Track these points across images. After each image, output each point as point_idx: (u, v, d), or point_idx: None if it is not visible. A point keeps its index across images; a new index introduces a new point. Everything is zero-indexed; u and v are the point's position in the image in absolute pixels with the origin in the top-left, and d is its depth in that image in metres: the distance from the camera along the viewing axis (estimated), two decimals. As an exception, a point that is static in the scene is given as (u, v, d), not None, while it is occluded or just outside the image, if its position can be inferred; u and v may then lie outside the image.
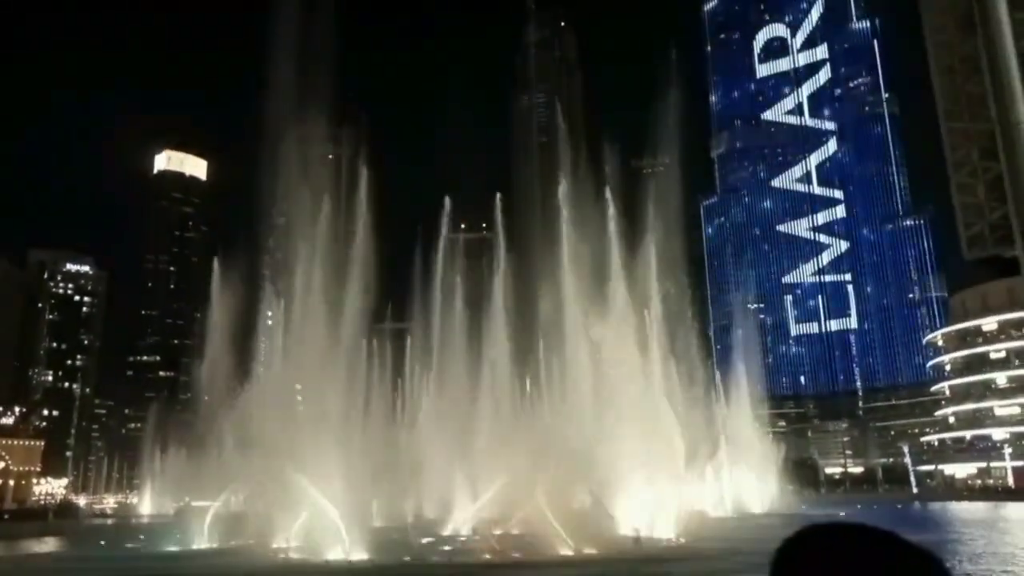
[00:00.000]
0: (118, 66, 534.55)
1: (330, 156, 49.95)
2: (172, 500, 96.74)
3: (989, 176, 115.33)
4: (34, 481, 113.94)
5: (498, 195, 53.97)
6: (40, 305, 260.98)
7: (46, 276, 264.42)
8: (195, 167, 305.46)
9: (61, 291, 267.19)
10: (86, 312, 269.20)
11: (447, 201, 48.02)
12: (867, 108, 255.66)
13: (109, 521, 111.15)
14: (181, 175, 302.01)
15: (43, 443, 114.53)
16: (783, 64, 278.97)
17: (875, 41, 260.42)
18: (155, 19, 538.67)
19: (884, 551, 1.13)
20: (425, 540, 38.44)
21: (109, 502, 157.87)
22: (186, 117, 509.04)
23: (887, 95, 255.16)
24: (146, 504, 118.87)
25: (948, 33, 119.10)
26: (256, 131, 51.49)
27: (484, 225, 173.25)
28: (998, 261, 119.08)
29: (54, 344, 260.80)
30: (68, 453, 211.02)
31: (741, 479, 76.32)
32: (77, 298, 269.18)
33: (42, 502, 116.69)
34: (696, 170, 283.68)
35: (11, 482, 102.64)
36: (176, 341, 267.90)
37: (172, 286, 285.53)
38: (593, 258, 46.79)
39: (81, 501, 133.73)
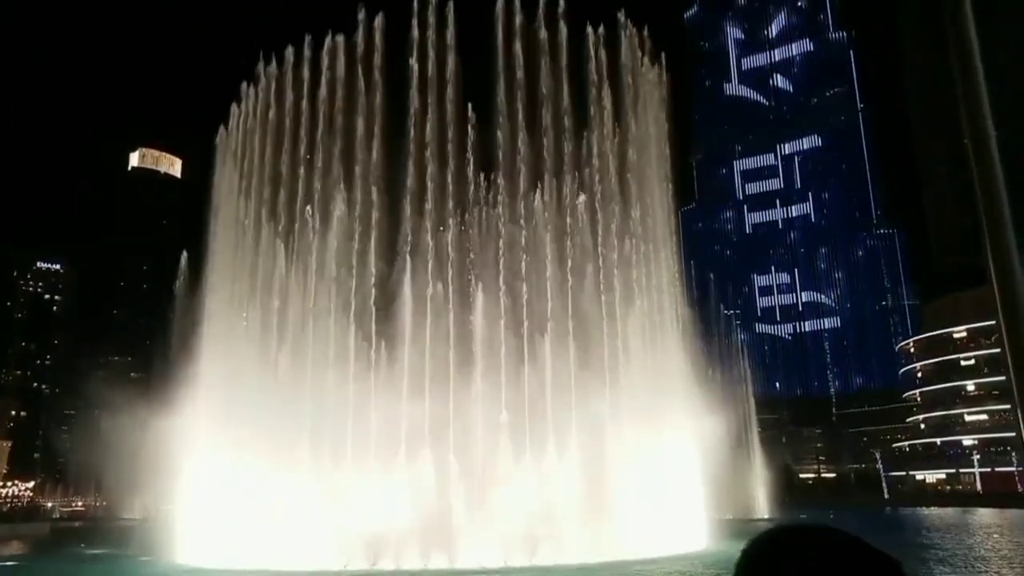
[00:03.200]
0: (92, 61, 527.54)
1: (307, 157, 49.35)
2: (140, 504, 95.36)
3: (960, 186, 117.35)
4: (0, 483, 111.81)
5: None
6: (8, 304, 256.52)
7: (15, 274, 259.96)
8: (170, 165, 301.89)
9: (31, 290, 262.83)
10: (55, 311, 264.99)
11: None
12: (843, 118, 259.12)
13: (77, 524, 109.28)
14: (155, 172, 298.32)
15: (11, 444, 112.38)
16: (760, 73, 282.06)
17: (851, 52, 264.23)
18: (129, 15, 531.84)
19: (847, 554, 1.13)
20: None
21: (78, 504, 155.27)
22: (161, 114, 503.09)
23: (862, 106, 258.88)
24: (116, 508, 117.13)
25: (921, 44, 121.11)
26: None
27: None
28: (970, 270, 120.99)
29: (23, 343, 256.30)
30: (36, 455, 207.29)
31: (711, 485, 76.38)
32: (47, 297, 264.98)
33: (9, 504, 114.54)
34: (683, 181, 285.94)
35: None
36: (148, 342, 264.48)
37: (145, 286, 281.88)
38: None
39: (49, 504, 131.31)
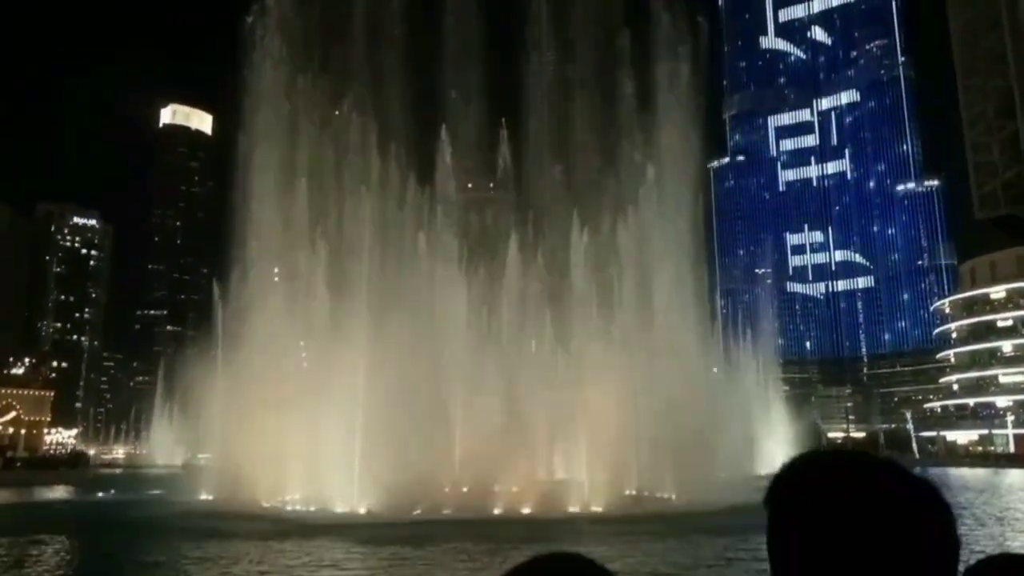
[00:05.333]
0: (125, 18, 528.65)
1: (336, 113, 49.37)
2: (180, 452, 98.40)
3: (1004, 134, 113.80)
4: (45, 431, 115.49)
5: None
6: (47, 257, 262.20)
7: (53, 229, 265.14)
8: (201, 121, 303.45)
9: (68, 244, 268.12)
10: (93, 265, 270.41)
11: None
12: (883, 71, 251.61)
13: (118, 471, 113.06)
14: (187, 129, 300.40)
15: (53, 393, 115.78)
16: (799, 26, 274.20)
17: (893, 2, 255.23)
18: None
19: (884, 477, 1.12)
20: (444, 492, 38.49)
21: (118, 453, 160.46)
22: (193, 71, 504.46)
23: (903, 58, 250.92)
24: (154, 455, 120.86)
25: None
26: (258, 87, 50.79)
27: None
28: (1008, 225, 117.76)
29: (62, 296, 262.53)
30: (77, 404, 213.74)
31: (741, 441, 76.66)
32: (84, 251, 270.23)
33: (52, 451, 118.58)
34: (708, 133, 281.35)
35: (23, 431, 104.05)
36: (183, 296, 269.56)
37: (179, 241, 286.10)
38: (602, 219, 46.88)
39: (91, 451, 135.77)
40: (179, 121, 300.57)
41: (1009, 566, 1.47)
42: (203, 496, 43.58)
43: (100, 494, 56.63)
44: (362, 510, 36.21)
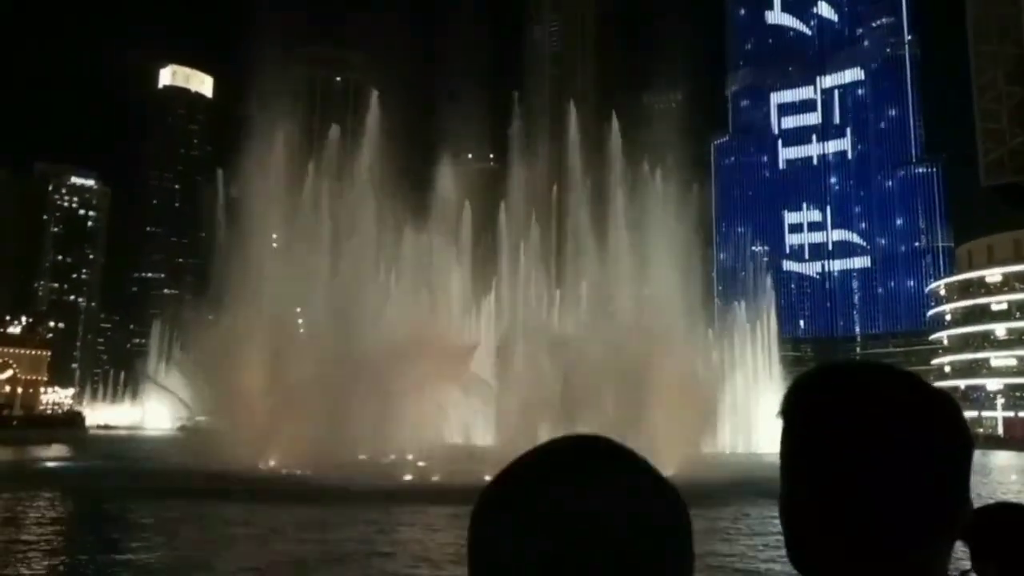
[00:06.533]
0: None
1: (337, 79, 49.07)
2: (175, 415, 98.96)
3: (1013, 102, 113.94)
4: (41, 390, 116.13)
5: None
6: (45, 217, 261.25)
7: (50, 189, 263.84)
8: (200, 83, 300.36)
9: (66, 204, 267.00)
10: (91, 227, 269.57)
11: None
12: (888, 50, 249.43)
13: (112, 431, 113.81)
14: (186, 91, 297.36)
15: (49, 353, 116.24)
16: (806, 2, 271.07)
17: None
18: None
19: (895, 381, 1.14)
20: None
21: (114, 414, 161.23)
22: (192, 30, 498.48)
23: (909, 37, 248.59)
24: (150, 418, 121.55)
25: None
26: (260, 51, 50.43)
27: (491, 156, 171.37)
28: (1012, 193, 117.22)
29: (59, 257, 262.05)
30: (74, 365, 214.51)
31: (734, 419, 77.47)
32: (82, 212, 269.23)
33: (49, 411, 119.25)
34: (709, 109, 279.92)
35: (19, 390, 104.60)
36: (180, 259, 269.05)
37: (177, 204, 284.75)
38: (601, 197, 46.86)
39: (87, 411, 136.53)
40: (179, 83, 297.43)
41: (1007, 512, 1.65)
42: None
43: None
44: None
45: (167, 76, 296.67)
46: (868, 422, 1.09)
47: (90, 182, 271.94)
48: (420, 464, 37.92)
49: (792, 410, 1.19)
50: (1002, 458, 77.37)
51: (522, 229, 46.74)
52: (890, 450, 1.06)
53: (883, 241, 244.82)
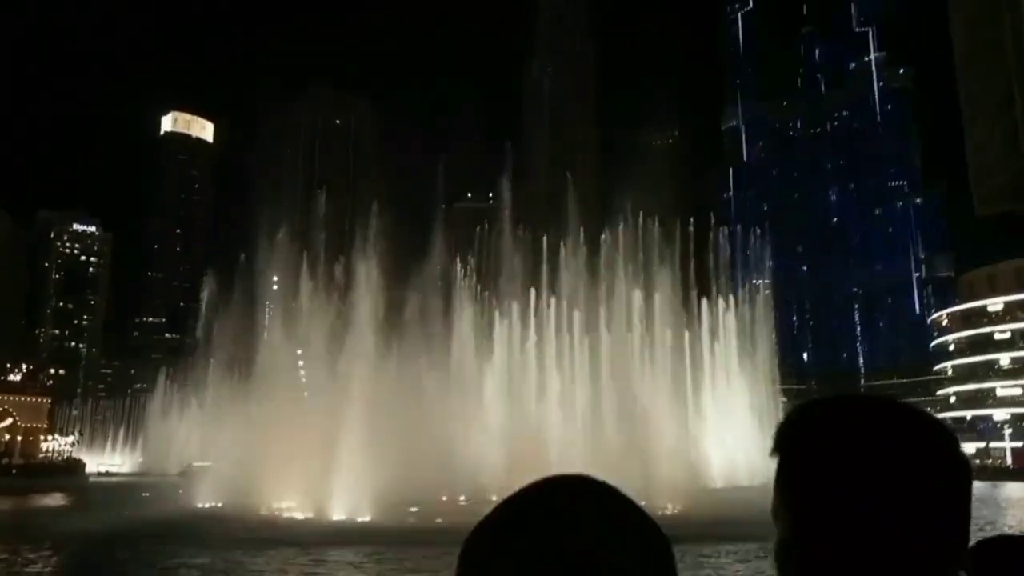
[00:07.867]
0: (125, 26, 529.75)
1: (336, 121, 49.67)
2: (177, 460, 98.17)
3: (1004, 128, 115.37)
4: (41, 438, 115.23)
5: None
6: (47, 264, 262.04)
7: (52, 236, 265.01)
8: (201, 129, 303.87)
9: (67, 251, 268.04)
10: (92, 273, 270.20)
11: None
12: (882, 83, 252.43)
13: (114, 478, 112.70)
14: (187, 137, 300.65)
15: (50, 401, 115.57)
16: (801, 35, 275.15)
17: (895, 12, 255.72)
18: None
19: (890, 414, 1.11)
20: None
21: (115, 461, 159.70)
22: (193, 78, 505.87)
23: (903, 69, 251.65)
24: (152, 463, 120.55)
25: None
26: (262, 95, 51.02)
27: (490, 195, 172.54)
28: (1009, 222, 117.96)
29: (60, 303, 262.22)
30: (75, 412, 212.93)
31: (739, 452, 76.54)
32: (83, 258, 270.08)
33: (49, 459, 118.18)
34: (713, 145, 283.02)
35: (19, 438, 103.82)
36: (182, 304, 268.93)
37: (178, 249, 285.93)
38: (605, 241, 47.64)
39: (87, 459, 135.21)
40: (180, 128, 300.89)
41: (1008, 545, 1.60)
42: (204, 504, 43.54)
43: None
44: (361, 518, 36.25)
45: (168, 123, 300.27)
46: (862, 458, 1.06)
47: (92, 228, 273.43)
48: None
49: (785, 450, 1.17)
50: (1013, 489, 76.20)
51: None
52: (886, 485, 1.03)
53: (884, 271, 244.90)
